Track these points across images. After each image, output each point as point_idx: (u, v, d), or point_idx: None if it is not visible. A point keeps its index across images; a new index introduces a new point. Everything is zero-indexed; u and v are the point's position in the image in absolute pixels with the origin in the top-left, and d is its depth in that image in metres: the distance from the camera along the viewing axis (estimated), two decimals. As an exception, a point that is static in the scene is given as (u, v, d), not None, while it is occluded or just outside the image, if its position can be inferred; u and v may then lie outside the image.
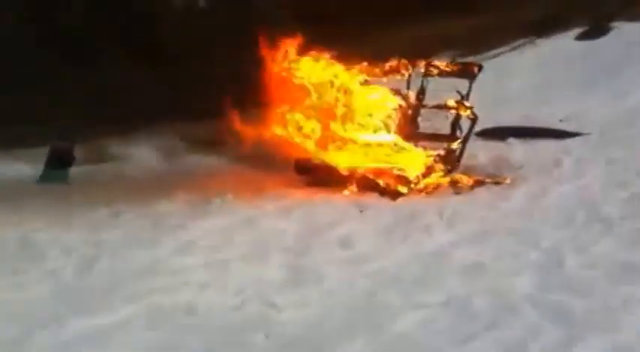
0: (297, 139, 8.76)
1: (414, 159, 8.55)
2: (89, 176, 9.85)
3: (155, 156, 10.68)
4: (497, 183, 8.20)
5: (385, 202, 7.98)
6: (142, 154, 10.74)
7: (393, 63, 9.25)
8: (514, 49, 14.58)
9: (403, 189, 8.19)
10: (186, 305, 5.62)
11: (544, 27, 14.93)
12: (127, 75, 11.57)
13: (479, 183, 8.24)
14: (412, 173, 8.36)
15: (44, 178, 9.65)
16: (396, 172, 8.34)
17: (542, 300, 5.24)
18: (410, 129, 9.02)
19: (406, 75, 9.27)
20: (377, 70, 9.19)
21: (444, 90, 9.19)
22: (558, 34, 14.39)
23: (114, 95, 11.22)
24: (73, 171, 9.85)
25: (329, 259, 6.40)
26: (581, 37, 13.96)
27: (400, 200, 8.02)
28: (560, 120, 9.94)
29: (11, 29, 12.49)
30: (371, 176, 8.37)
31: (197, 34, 11.98)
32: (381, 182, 8.30)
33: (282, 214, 7.70)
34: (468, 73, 9.23)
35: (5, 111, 10.67)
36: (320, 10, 15.16)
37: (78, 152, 10.05)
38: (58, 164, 9.78)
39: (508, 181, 8.24)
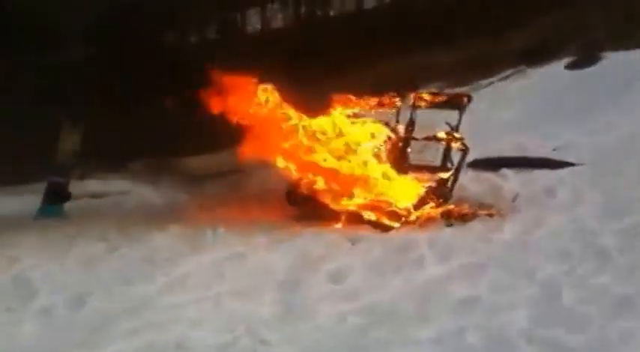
0: (289, 170, 8.71)
1: (405, 191, 8.45)
2: (85, 210, 9.79)
3: (150, 190, 10.64)
4: (490, 215, 8.07)
5: (377, 234, 7.86)
6: (138, 188, 10.72)
7: (381, 96, 9.21)
8: (503, 78, 14.52)
9: (393, 224, 8.08)
10: (178, 342, 5.55)
11: (533, 56, 14.89)
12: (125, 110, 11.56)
13: (471, 215, 8.11)
14: (403, 205, 8.26)
15: (41, 213, 9.57)
16: (386, 206, 8.24)
17: (538, 336, 5.13)
18: (400, 162, 8.94)
19: (395, 107, 9.20)
20: (365, 103, 9.14)
21: (434, 122, 9.11)
22: (548, 63, 14.30)
23: (110, 130, 11.15)
24: (69, 205, 9.78)
25: (320, 294, 6.30)
26: (571, 67, 13.89)
27: (392, 232, 7.91)
28: (554, 150, 9.79)
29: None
30: (361, 211, 8.26)
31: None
32: (371, 216, 8.19)
33: (274, 247, 7.59)
34: (457, 104, 9.16)
35: (3, 147, 10.63)
36: (309, 44, 15.25)
37: (73, 187, 9.97)
38: (54, 199, 9.71)
39: (501, 213, 8.11)
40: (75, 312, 6.33)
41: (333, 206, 8.37)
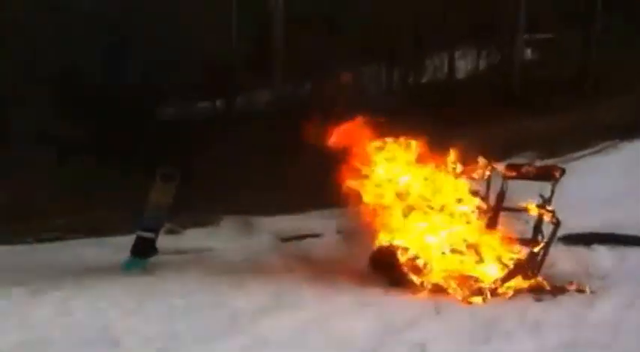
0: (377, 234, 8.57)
1: (494, 263, 8.18)
2: (169, 265, 9.75)
3: (235, 247, 10.60)
4: (581, 291, 7.74)
5: (463, 304, 7.61)
6: (223, 246, 10.69)
7: (471, 163, 9.03)
8: (596, 151, 14.16)
9: (477, 299, 7.78)
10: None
11: (627, 130, 14.54)
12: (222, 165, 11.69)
13: (562, 291, 7.80)
14: (491, 277, 7.98)
15: (127, 266, 9.59)
16: (472, 279, 7.98)
17: None
18: (490, 233, 8.68)
19: (485, 176, 8.99)
20: (455, 170, 8.98)
21: (524, 192, 8.83)
22: (642, 138, 13.94)
23: (199, 186, 11.23)
24: (155, 259, 9.78)
25: (402, 364, 6.06)
26: (665, 142, 13.48)
27: (479, 303, 7.63)
28: (649, 228, 9.41)
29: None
30: (446, 283, 8.01)
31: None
32: (457, 290, 7.91)
33: (357, 312, 7.38)
34: (549, 176, 8.86)
35: (91, 196, 10.80)
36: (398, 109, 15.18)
37: (160, 241, 9.99)
38: (141, 253, 9.73)
39: (593, 289, 7.77)
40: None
41: (419, 275, 8.13)
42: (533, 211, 8.56)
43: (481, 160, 9.03)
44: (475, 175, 9.02)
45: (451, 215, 8.62)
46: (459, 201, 8.75)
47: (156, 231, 9.94)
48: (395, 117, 9.26)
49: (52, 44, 13.35)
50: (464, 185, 8.89)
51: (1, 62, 13.30)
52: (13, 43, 13.44)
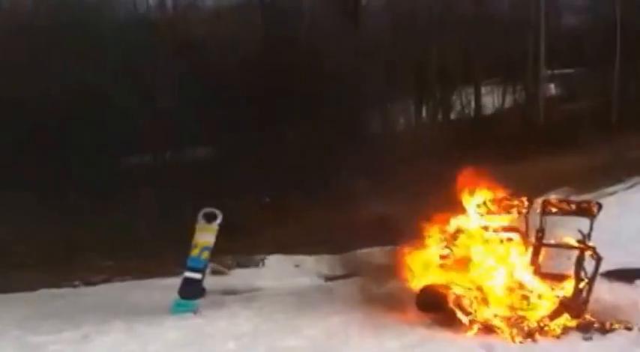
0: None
1: (540, 302, 8.17)
2: (219, 306, 9.78)
3: (281, 286, 10.60)
4: (628, 329, 7.68)
5: (512, 344, 7.57)
6: (269, 284, 10.69)
7: (510, 200, 9.04)
8: (629, 187, 14.12)
9: (527, 339, 7.74)
10: None
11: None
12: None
13: (609, 328, 7.74)
14: (538, 316, 7.97)
15: (176, 308, 9.61)
16: (520, 320, 7.96)
17: None
18: (533, 270, 8.67)
19: (523, 212, 8.99)
20: (494, 208, 9.00)
21: (562, 228, 8.81)
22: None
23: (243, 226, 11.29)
24: (203, 301, 9.80)
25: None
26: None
27: (529, 342, 7.60)
28: (687, 264, 9.31)
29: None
30: (493, 323, 8.00)
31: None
32: (504, 331, 7.89)
33: (405, 352, 7.36)
34: (587, 212, 8.83)
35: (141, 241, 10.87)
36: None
37: (208, 282, 10.02)
38: (190, 294, 9.75)
39: (640, 327, 7.70)
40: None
41: (467, 314, 8.11)
42: (574, 247, 8.53)
43: (520, 198, 9.03)
44: (514, 212, 9.02)
45: (497, 254, 8.62)
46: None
47: (202, 271, 9.99)
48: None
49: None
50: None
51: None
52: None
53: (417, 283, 8.70)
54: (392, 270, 9.06)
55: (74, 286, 11.40)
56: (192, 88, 14.98)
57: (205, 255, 9.98)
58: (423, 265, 8.75)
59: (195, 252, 9.98)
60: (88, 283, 11.42)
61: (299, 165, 13.83)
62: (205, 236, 10.01)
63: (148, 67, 15.81)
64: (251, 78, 15.35)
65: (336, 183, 12.10)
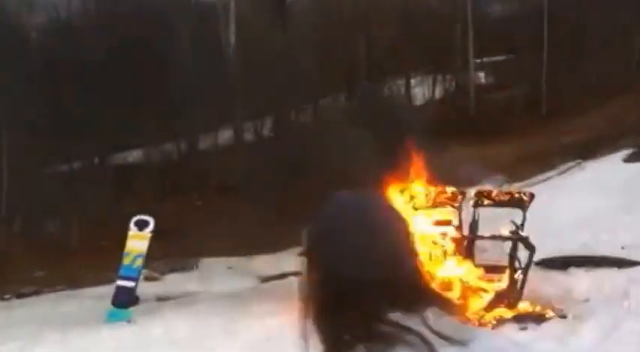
0: None
1: (475, 294, 8.13)
2: (153, 313, 9.59)
3: (217, 289, 10.44)
4: (563, 317, 7.68)
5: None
6: (203, 288, 10.53)
7: (442, 192, 8.96)
8: (562, 173, 14.20)
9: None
10: None
11: (589, 150, 14.62)
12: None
13: (544, 317, 7.74)
14: (474, 308, 7.92)
15: (110, 317, 9.41)
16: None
17: None
18: (467, 262, 8.62)
19: (456, 205, 8.93)
20: (425, 201, 8.90)
21: (496, 219, 8.77)
22: (605, 156, 13.97)
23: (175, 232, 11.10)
24: (137, 308, 9.62)
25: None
26: (629, 160, 13.50)
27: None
28: (622, 248, 9.32)
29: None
30: None
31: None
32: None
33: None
34: (520, 202, 8.82)
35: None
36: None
37: (140, 289, 9.84)
38: (122, 303, 9.56)
39: (576, 314, 7.67)
40: None
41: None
42: (508, 238, 8.50)
43: (453, 191, 8.96)
44: (448, 206, 8.94)
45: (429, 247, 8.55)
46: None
47: (135, 279, 9.79)
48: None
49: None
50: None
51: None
52: None
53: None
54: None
55: (5, 299, 11.08)
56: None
57: (138, 262, 9.83)
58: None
59: (127, 260, 9.82)
60: (20, 295, 11.11)
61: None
62: (137, 243, 9.85)
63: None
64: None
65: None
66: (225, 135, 19.96)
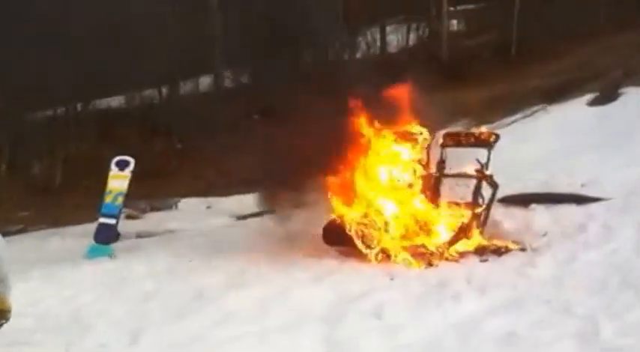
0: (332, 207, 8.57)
1: (440, 227, 8.31)
2: (133, 249, 9.71)
3: (196, 228, 10.53)
4: (522, 250, 7.88)
5: (414, 270, 7.71)
6: (184, 227, 10.62)
7: (412, 133, 9.07)
8: (527, 116, 14.34)
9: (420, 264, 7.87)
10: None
11: (555, 94, 14.74)
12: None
13: (505, 250, 7.94)
14: (437, 241, 8.12)
15: (91, 253, 9.54)
16: (420, 248, 8.09)
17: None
18: (433, 198, 8.79)
19: (425, 144, 9.06)
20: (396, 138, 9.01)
21: (463, 159, 8.93)
22: (570, 100, 14.11)
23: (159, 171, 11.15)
24: (118, 245, 9.74)
25: (362, 330, 6.13)
26: (593, 103, 13.67)
27: (429, 267, 7.75)
28: (582, 186, 9.50)
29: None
30: (394, 251, 8.09)
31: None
32: (405, 258, 8.00)
33: (315, 283, 7.46)
34: (486, 142, 8.97)
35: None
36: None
37: (122, 226, 9.95)
38: (104, 239, 9.68)
39: (534, 247, 7.87)
40: (130, 348, 6.24)
41: (366, 247, 8.19)
42: (473, 176, 8.68)
43: (419, 129, 9.07)
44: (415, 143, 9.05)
45: (395, 184, 8.70)
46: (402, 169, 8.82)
47: (117, 216, 9.91)
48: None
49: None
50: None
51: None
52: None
53: (332, 215, 8.64)
54: (305, 205, 9.02)
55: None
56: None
57: (119, 200, 9.93)
58: (336, 198, 8.67)
59: (109, 199, 9.93)
60: (5, 234, 11.15)
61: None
62: (118, 182, 9.95)
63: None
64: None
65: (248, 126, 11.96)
66: (205, 82, 20.02)
